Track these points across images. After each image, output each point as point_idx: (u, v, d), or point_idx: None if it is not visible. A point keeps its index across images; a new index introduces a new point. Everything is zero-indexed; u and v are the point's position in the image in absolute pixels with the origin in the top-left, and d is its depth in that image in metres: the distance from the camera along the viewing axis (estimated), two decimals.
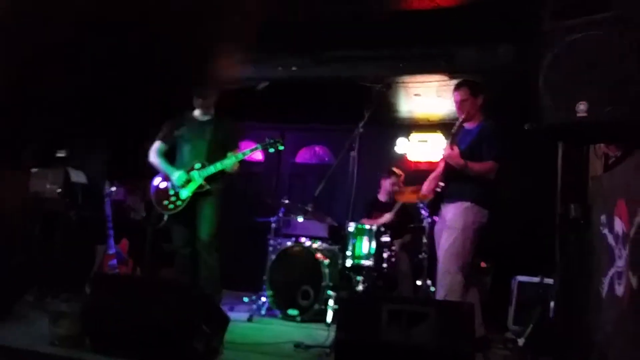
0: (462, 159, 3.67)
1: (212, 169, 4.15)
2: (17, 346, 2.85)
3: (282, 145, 4.29)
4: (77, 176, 5.41)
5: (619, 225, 2.96)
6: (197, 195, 4.17)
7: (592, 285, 3.48)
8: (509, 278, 4.75)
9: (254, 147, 4.33)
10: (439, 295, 3.60)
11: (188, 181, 4.18)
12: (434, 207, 4.18)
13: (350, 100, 4.65)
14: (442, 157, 3.87)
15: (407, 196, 4.97)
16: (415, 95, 5.95)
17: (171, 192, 4.24)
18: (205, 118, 4.35)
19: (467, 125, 3.88)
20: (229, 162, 4.16)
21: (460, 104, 3.88)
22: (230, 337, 3.12)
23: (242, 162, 4.26)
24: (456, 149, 3.69)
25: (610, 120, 2.70)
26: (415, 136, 6.75)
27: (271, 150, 4.29)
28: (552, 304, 3.18)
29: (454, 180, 3.80)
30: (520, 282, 4.64)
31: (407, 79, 5.57)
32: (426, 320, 2.37)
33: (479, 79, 4.54)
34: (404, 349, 2.37)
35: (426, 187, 4.02)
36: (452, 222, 3.69)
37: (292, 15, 4.63)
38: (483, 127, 3.82)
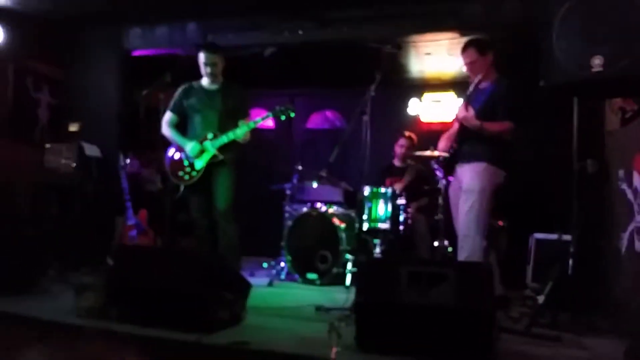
0: (477, 119, 3.63)
1: (224, 139, 4.15)
2: (46, 318, 2.93)
3: (293, 112, 4.26)
4: (91, 150, 5.45)
5: (637, 180, 2.95)
6: (212, 165, 4.19)
7: (610, 241, 3.48)
8: (527, 236, 4.75)
9: (265, 115, 4.30)
10: (460, 258, 3.61)
11: (201, 152, 4.19)
12: (449, 168, 4.15)
13: (360, 63, 4.59)
14: (455, 117, 3.83)
15: (420, 157, 4.95)
16: (426, 54, 5.85)
17: (185, 163, 4.26)
18: (214, 87, 4.33)
19: (480, 85, 3.81)
20: (241, 131, 4.15)
21: (470, 66, 3.80)
22: (252, 303, 3.18)
23: (254, 131, 4.26)
24: (471, 110, 3.64)
25: (627, 73, 2.66)
26: (427, 96, 6.67)
27: (282, 117, 4.26)
28: (570, 260, 3.18)
29: (469, 141, 3.76)
30: (537, 240, 4.64)
31: (416, 37, 5.47)
32: (446, 281, 2.39)
33: (489, 35, 4.46)
34: (424, 310, 2.40)
35: (442, 145, 3.98)
36: (469, 185, 3.67)
37: None
38: (496, 86, 3.75)
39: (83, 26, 5.84)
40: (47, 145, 5.38)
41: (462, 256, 3.60)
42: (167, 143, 4.46)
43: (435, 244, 4.74)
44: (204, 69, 4.27)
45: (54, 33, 5.77)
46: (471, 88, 3.71)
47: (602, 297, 3.40)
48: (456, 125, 3.86)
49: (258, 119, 4.26)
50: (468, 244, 3.58)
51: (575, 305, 3.08)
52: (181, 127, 4.39)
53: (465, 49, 3.83)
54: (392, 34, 5.26)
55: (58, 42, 5.85)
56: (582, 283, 3.16)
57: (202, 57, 4.24)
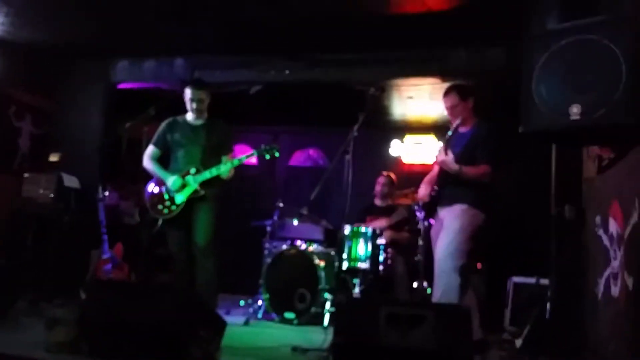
0: (457, 162, 3.68)
1: (207, 174, 4.14)
2: (13, 353, 2.83)
3: (278, 151, 4.29)
4: (70, 181, 5.39)
5: (613, 227, 2.99)
6: (192, 200, 4.16)
7: (587, 286, 3.51)
8: (505, 279, 4.77)
9: (249, 153, 4.32)
10: (436, 296, 3.61)
11: (183, 186, 4.17)
12: (430, 210, 4.18)
13: (344, 103, 4.66)
14: (435, 161, 3.88)
15: (402, 199, 4.99)
16: (409, 97, 5.98)
17: (166, 197, 4.22)
18: (199, 122, 4.34)
19: (460, 129, 3.88)
20: (225, 168, 4.15)
21: (451, 110, 3.88)
22: (227, 342, 3.10)
23: (236, 166, 4.26)
24: (450, 154, 3.70)
25: (604, 122, 2.73)
26: (409, 138, 6.78)
27: (267, 156, 4.29)
28: (548, 304, 3.20)
29: (450, 184, 3.81)
30: (515, 283, 4.65)
31: (400, 81, 5.60)
32: (424, 323, 2.38)
33: (471, 81, 4.58)
34: (402, 352, 2.38)
35: (422, 191, 4.02)
36: (448, 223, 3.70)
37: (284, 18, 4.65)
38: (476, 130, 3.83)
39: (70, 57, 5.87)
40: (26, 175, 5.32)
41: (437, 294, 3.60)
42: (148, 176, 4.43)
43: (415, 285, 4.73)
44: (189, 105, 4.29)
45: (41, 63, 5.79)
46: (451, 132, 3.78)
47: (579, 341, 3.40)
48: (436, 169, 3.91)
49: (242, 156, 4.26)
50: (443, 280, 3.58)
51: (552, 349, 3.07)
52: (163, 161, 4.38)
53: (447, 93, 3.91)
54: (377, 77, 5.37)
55: (44, 72, 5.87)
56: (559, 327, 3.17)
57: (188, 92, 4.26)
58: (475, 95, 3.91)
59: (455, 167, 3.67)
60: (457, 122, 3.76)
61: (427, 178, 4.04)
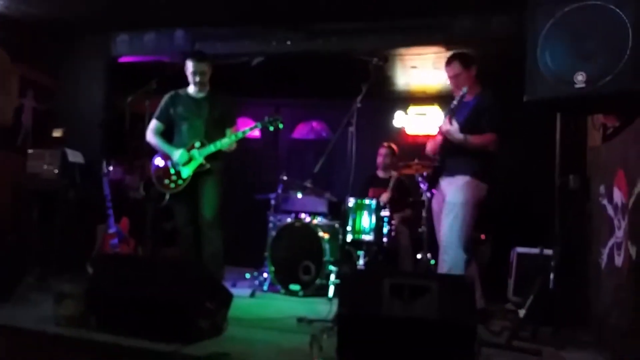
0: (461, 132, 3.65)
1: (212, 148, 4.15)
2: (23, 326, 2.88)
3: (281, 123, 4.27)
4: (74, 156, 5.39)
5: (618, 196, 2.98)
6: (198, 173, 4.18)
7: (591, 256, 3.52)
8: (508, 249, 4.78)
9: (253, 125, 4.31)
10: (441, 271, 3.62)
11: (189, 160, 4.18)
12: (433, 181, 4.18)
13: (347, 74, 4.61)
14: (439, 131, 3.85)
15: (405, 169, 4.98)
16: (412, 67, 5.91)
17: (172, 171, 4.24)
18: (201, 95, 4.32)
19: (464, 98, 3.85)
20: (229, 141, 4.15)
21: (454, 79, 3.83)
22: (234, 313, 3.14)
23: (240, 140, 4.25)
24: (455, 124, 3.66)
25: (609, 91, 2.70)
26: (413, 109, 6.73)
27: (271, 128, 4.27)
28: (551, 275, 3.21)
29: (453, 155, 3.79)
30: (519, 254, 4.66)
31: (403, 51, 5.52)
32: (427, 294, 2.39)
33: (475, 49, 4.51)
34: (406, 323, 2.40)
35: (430, 146, 3.98)
36: (452, 197, 3.69)
37: None
38: (481, 99, 3.79)
39: (71, 32, 5.82)
40: (30, 151, 5.32)
41: (443, 268, 3.61)
42: (151, 150, 4.43)
43: (419, 256, 4.75)
44: (191, 77, 4.26)
45: (41, 38, 5.74)
46: (455, 101, 3.74)
47: (582, 311, 3.42)
48: (440, 139, 3.88)
49: (246, 129, 4.26)
50: (450, 256, 3.59)
51: (556, 319, 3.10)
52: (166, 135, 4.38)
53: (449, 62, 3.86)
54: (380, 47, 5.30)
55: (45, 47, 5.83)
56: (563, 297, 3.18)
57: (190, 65, 4.23)
58: (479, 63, 3.87)
59: (460, 136, 3.64)
60: (462, 91, 3.72)
61: (435, 137, 3.99)
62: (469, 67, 3.80)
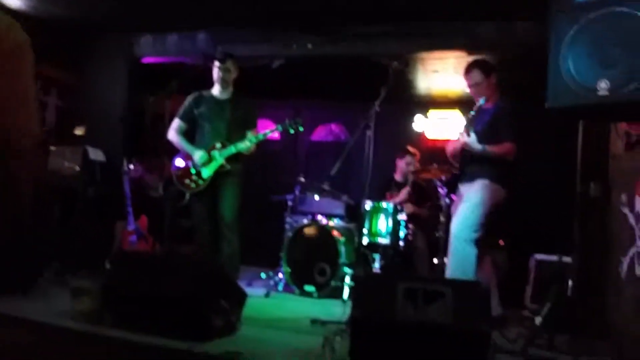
0: (480, 140, 3.63)
1: (232, 149, 4.20)
2: (41, 320, 2.92)
3: (302, 126, 4.33)
4: (95, 154, 5.47)
5: (639, 205, 2.92)
6: (218, 174, 4.22)
7: (611, 264, 3.45)
8: (527, 256, 4.73)
9: (274, 127, 4.37)
10: (451, 264, 3.60)
11: (209, 160, 4.23)
12: (452, 186, 4.15)
13: (367, 77, 4.61)
14: (458, 140, 3.81)
15: (424, 174, 4.95)
16: (433, 71, 5.88)
17: (193, 171, 4.28)
18: (224, 97, 4.37)
19: (484, 105, 3.82)
20: (250, 143, 4.19)
21: (474, 88, 3.81)
22: (248, 313, 3.16)
23: (260, 142, 4.28)
24: (472, 135, 3.64)
25: (633, 98, 2.65)
26: (433, 113, 6.69)
27: (291, 131, 4.32)
28: (570, 282, 3.16)
29: (472, 162, 3.77)
30: (538, 261, 4.61)
31: (425, 55, 5.49)
32: (442, 299, 2.38)
33: (496, 55, 4.47)
34: (420, 327, 2.38)
35: (450, 149, 3.94)
36: (469, 197, 3.69)
37: None
38: (499, 107, 3.76)
39: (95, 32, 5.91)
40: (52, 148, 5.40)
41: (453, 261, 3.59)
42: (171, 149, 4.48)
43: (435, 261, 4.72)
44: (217, 74, 4.31)
45: (65, 38, 5.83)
46: (472, 112, 3.72)
47: (601, 320, 3.36)
48: (459, 145, 3.85)
49: (267, 131, 4.30)
50: (459, 250, 3.57)
51: (573, 327, 3.05)
52: (188, 135, 4.42)
53: (468, 70, 3.83)
54: (402, 51, 5.28)
55: (69, 47, 5.91)
56: (581, 305, 3.13)
57: (217, 63, 4.29)
58: (500, 69, 3.83)
59: (478, 147, 3.63)
60: (481, 100, 3.69)
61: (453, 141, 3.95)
62: (489, 75, 3.78)
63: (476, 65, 3.81)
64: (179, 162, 4.39)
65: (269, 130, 4.31)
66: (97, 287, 3.02)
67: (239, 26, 5.52)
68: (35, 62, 3.96)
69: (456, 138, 3.83)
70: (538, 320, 3.11)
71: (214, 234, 4.24)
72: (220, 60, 4.28)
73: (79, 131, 5.79)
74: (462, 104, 6.34)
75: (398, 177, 5.58)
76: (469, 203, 3.65)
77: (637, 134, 3.38)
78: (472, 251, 3.54)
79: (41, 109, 5.73)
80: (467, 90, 3.92)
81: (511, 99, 3.79)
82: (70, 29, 5.78)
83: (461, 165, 3.92)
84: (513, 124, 3.64)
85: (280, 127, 4.32)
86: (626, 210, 3.18)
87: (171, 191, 4.78)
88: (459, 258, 3.54)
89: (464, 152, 3.80)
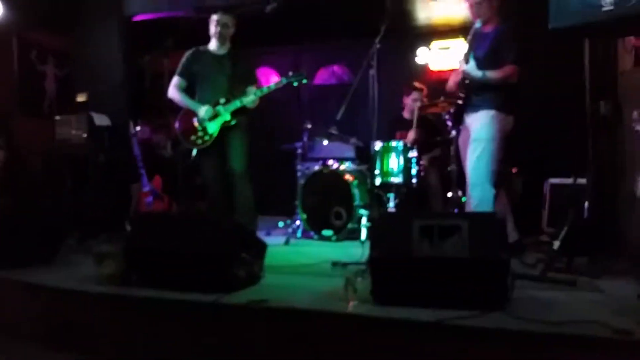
0: (483, 67, 3.55)
1: (237, 103, 4.20)
2: (67, 287, 2.99)
3: (305, 78, 4.35)
4: (101, 119, 5.46)
5: None
6: (224, 129, 4.21)
7: (625, 183, 3.45)
8: (541, 181, 4.72)
9: (277, 82, 4.36)
10: (470, 208, 3.61)
11: (215, 116, 4.22)
12: (459, 117, 4.10)
13: (366, 12, 4.48)
14: (459, 69, 3.74)
15: (432, 108, 4.89)
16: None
17: (198, 128, 4.27)
18: (222, 52, 4.33)
19: (483, 29, 3.72)
20: (254, 97, 4.18)
21: (476, 8, 3.70)
22: (270, 261, 3.21)
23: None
24: (471, 62, 3.57)
25: (638, 11, 2.56)
26: (436, 44, 6.52)
27: (295, 84, 4.29)
28: (586, 204, 3.16)
29: (475, 90, 3.71)
30: (552, 185, 4.60)
31: None
32: (458, 233, 2.39)
33: None
34: (437, 262, 2.41)
35: (451, 82, 3.87)
36: (477, 133, 3.64)
37: None
38: (500, 31, 3.66)
39: None
40: (57, 117, 5.40)
41: (471, 205, 3.59)
42: (174, 108, 4.45)
43: (449, 195, 4.73)
44: (214, 29, 4.25)
45: (53, 2, 5.70)
46: (471, 33, 3.63)
47: (618, 239, 3.39)
48: (460, 75, 3.78)
49: (271, 85, 4.30)
50: (477, 192, 3.57)
51: (591, 249, 3.07)
52: (188, 92, 4.38)
53: None
54: None
55: (58, 11, 5.78)
56: (597, 227, 3.15)
57: (214, 16, 4.23)
58: None
59: (478, 74, 3.57)
60: (477, 22, 3.60)
61: (456, 70, 3.88)
62: None
63: None
64: (183, 119, 4.37)
65: (274, 85, 4.32)
66: (120, 249, 3.07)
67: None
68: (28, 29, 3.89)
69: (457, 66, 3.76)
70: (556, 244, 3.13)
71: (225, 189, 4.28)
72: (219, 15, 4.21)
73: (81, 98, 5.74)
74: (465, 30, 6.12)
75: (406, 114, 5.50)
76: (480, 142, 3.59)
77: None
78: (490, 191, 3.53)
79: (41, 79, 5.69)
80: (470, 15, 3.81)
81: (509, 22, 3.68)
82: None
83: (465, 94, 3.86)
84: (515, 46, 3.56)
85: (284, 80, 4.33)
86: (638, 127, 3.14)
87: (180, 149, 4.79)
88: (479, 201, 3.53)
89: (466, 80, 3.73)
